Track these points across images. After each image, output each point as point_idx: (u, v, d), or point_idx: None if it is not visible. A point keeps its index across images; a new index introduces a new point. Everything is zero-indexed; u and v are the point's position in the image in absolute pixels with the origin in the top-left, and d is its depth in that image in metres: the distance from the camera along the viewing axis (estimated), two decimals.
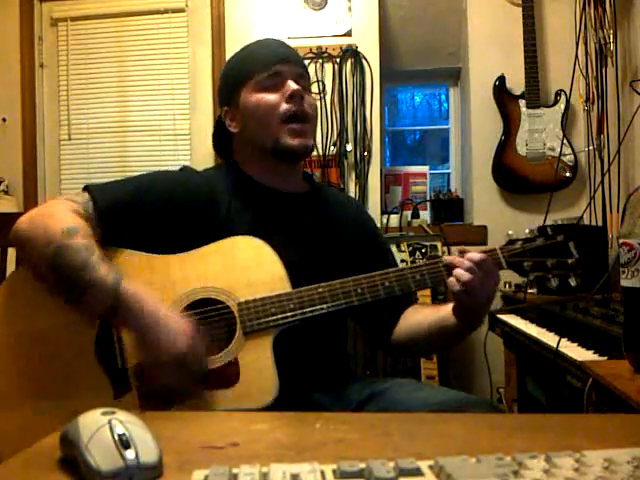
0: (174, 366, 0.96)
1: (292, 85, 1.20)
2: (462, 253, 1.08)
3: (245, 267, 1.08)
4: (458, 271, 1.04)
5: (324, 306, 1.06)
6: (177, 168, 1.26)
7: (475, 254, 1.06)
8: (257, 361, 1.03)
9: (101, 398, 0.99)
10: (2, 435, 0.98)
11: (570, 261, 1.08)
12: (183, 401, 0.99)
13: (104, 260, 1.00)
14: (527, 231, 1.12)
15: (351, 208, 1.40)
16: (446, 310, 1.13)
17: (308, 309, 1.05)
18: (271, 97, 1.20)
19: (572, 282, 1.08)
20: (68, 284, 0.99)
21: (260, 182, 1.25)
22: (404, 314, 1.26)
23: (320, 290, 1.06)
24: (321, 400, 1.12)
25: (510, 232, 1.12)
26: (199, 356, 0.98)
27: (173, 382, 0.97)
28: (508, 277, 2.50)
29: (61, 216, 1.05)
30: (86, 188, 1.14)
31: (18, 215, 1.08)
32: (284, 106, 1.20)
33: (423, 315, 1.22)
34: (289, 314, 1.05)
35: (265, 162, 1.24)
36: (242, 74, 1.24)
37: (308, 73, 1.30)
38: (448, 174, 3.26)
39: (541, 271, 1.09)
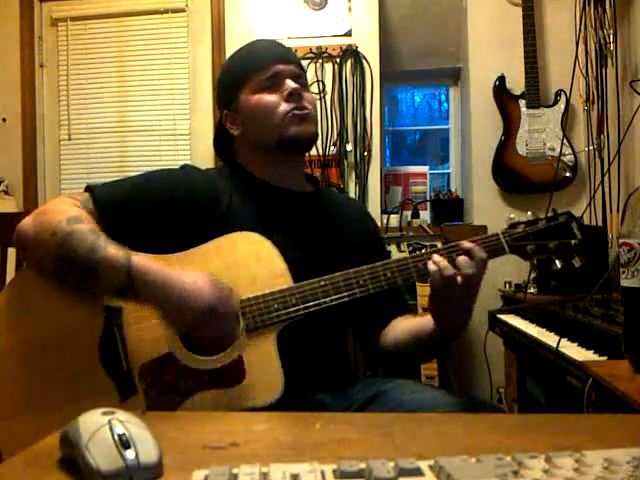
0: (208, 316, 0.96)
1: (290, 84, 1.21)
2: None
3: (245, 263, 1.08)
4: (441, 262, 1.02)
5: (327, 299, 1.05)
6: (178, 166, 1.26)
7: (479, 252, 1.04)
8: (262, 358, 1.03)
9: (107, 402, 0.98)
10: (7, 439, 0.98)
11: (573, 242, 1.07)
12: (232, 343, 1.01)
13: (111, 242, 1.00)
14: (529, 214, 1.11)
15: (354, 210, 1.40)
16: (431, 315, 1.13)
17: (311, 303, 1.05)
18: (271, 97, 1.21)
19: (576, 263, 1.07)
20: (78, 270, 0.99)
21: (262, 179, 1.25)
22: (393, 322, 1.26)
23: (322, 283, 1.06)
24: (324, 399, 1.12)
25: (512, 216, 1.11)
26: (227, 298, 0.99)
27: (216, 331, 0.98)
28: (508, 277, 2.50)
29: (64, 209, 1.05)
30: (87, 189, 1.14)
31: (18, 215, 1.08)
32: (284, 105, 1.20)
33: (411, 321, 1.22)
34: (292, 309, 1.04)
35: (269, 160, 1.24)
36: (240, 76, 1.24)
37: (305, 70, 1.32)
38: (448, 174, 3.26)
39: (544, 253, 1.07)
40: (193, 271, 1.06)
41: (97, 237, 1.00)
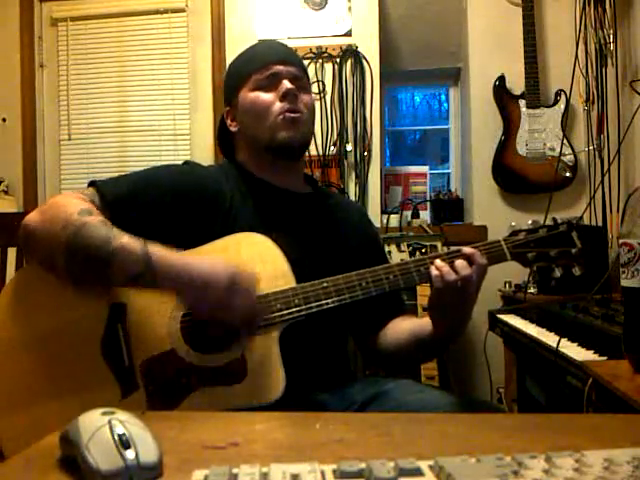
0: (230, 293, 0.95)
1: (286, 84, 1.22)
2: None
3: (249, 263, 1.08)
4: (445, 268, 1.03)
5: (329, 301, 1.06)
6: (181, 162, 1.27)
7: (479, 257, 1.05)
8: (264, 357, 1.03)
9: (109, 397, 0.99)
10: (10, 435, 0.98)
11: (573, 251, 1.08)
12: (254, 327, 1.00)
13: (124, 232, 1.00)
14: (529, 222, 1.12)
15: (353, 212, 1.40)
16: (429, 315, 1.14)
17: (314, 304, 1.05)
18: (266, 96, 1.23)
19: (576, 272, 1.08)
20: (91, 261, 0.98)
21: (262, 179, 1.26)
22: (391, 323, 1.26)
23: (325, 285, 1.06)
24: (324, 399, 1.12)
25: (513, 223, 1.12)
26: (243, 273, 0.98)
27: (238, 309, 0.96)
28: (508, 277, 2.50)
29: (72, 202, 1.05)
30: (91, 184, 1.14)
31: (18, 215, 1.08)
32: (278, 104, 1.22)
33: (409, 323, 1.23)
34: (294, 309, 1.05)
35: (265, 160, 1.25)
36: (241, 74, 1.27)
37: (307, 74, 1.32)
38: (448, 174, 3.26)
39: (545, 261, 1.09)
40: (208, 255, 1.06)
41: (110, 228, 1.00)
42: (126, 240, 0.98)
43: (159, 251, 0.98)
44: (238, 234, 1.11)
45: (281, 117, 1.21)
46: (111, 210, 1.09)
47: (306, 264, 1.13)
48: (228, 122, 1.29)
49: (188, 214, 1.14)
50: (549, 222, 1.11)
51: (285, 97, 1.22)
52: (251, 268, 1.07)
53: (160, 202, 1.13)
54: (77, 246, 0.99)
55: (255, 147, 1.25)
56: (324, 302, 1.06)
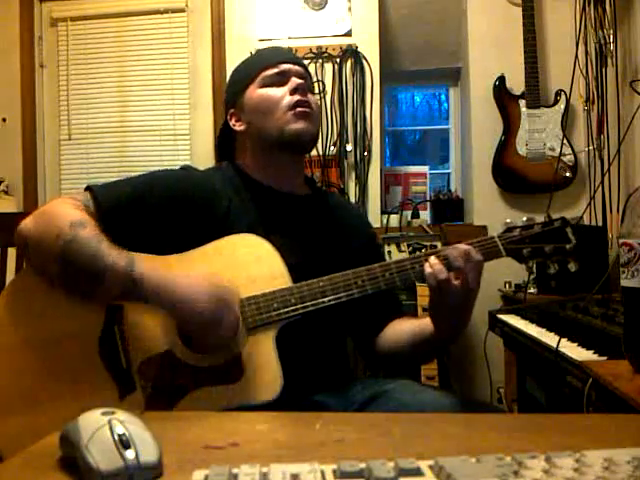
0: (209, 321, 0.97)
1: (296, 80, 1.24)
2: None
3: (245, 264, 1.08)
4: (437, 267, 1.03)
5: (325, 299, 1.06)
6: (178, 167, 1.27)
7: (475, 255, 1.05)
8: (260, 356, 1.03)
9: (106, 399, 0.99)
10: (8, 437, 0.98)
11: (568, 246, 1.08)
12: (235, 342, 1.02)
13: (114, 247, 1.01)
14: (524, 219, 1.12)
15: (352, 214, 1.41)
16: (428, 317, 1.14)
17: (310, 302, 1.05)
18: (276, 91, 1.24)
19: (571, 268, 1.08)
20: (81, 275, 0.99)
21: (261, 182, 1.26)
22: (390, 324, 1.26)
23: (321, 284, 1.07)
24: (324, 400, 1.12)
25: (508, 220, 1.12)
26: (228, 302, 1.00)
27: (216, 333, 0.99)
28: (508, 277, 2.50)
29: (66, 212, 1.05)
30: (87, 189, 1.14)
31: (18, 215, 1.08)
32: (288, 98, 1.23)
33: (409, 324, 1.23)
34: (291, 308, 1.05)
35: (269, 160, 1.25)
36: (247, 74, 1.28)
37: (311, 77, 1.34)
38: (448, 174, 3.26)
39: (540, 257, 1.09)
40: (194, 272, 1.06)
41: (100, 243, 1.00)
42: (112, 259, 0.98)
43: (145, 269, 0.99)
44: (235, 235, 1.11)
45: (291, 112, 1.21)
46: (105, 216, 1.08)
47: (305, 267, 1.13)
48: (232, 122, 1.29)
49: (184, 219, 1.14)
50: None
51: (295, 91, 1.23)
52: (246, 269, 1.08)
53: (156, 209, 1.13)
54: (68, 259, 0.99)
55: (262, 144, 1.25)
56: (320, 300, 1.06)
